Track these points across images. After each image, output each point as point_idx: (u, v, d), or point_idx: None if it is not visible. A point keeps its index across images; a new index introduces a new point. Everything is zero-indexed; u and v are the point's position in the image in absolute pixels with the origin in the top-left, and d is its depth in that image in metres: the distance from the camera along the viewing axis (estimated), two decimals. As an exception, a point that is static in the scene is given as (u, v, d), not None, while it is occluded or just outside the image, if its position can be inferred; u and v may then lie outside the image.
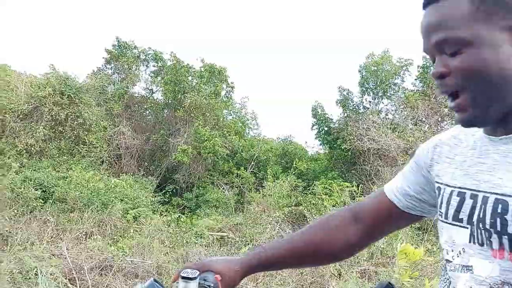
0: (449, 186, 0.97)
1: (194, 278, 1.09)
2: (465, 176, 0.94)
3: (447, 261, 0.97)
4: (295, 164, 13.81)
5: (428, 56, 0.94)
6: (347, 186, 10.40)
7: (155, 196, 11.37)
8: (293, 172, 12.88)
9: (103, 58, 15.10)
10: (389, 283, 1.16)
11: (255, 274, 1.19)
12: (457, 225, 0.93)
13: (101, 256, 6.59)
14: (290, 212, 9.75)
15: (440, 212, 0.98)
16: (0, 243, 6.65)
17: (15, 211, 7.90)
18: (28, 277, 5.55)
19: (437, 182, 1.02)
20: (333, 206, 9.82)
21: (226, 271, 1.17)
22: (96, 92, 13.63)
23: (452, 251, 0.94)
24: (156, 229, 8.05)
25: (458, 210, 0.93)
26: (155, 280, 1.11)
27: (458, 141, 1.01)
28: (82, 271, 6.06)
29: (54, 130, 11.98)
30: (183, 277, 1.09)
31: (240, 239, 8.33)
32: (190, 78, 14.78)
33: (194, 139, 13.52)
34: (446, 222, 0.96)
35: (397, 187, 1.13)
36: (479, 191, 0.89)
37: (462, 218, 0.91)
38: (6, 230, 6.90)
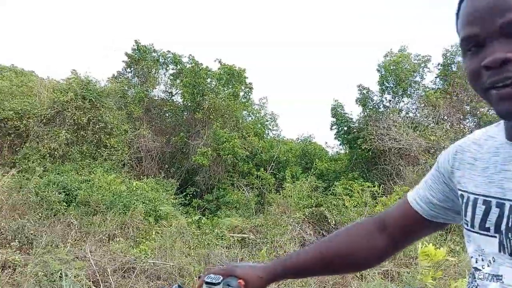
0: (473, 194, 0.94)
1: (218, 283, 1.10)
2: (490, 184, 0.90)
3: (476, 269, 0.94)
4: (315, 164, 13.75)
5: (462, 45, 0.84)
6: (368, 186, 10.32)
7: (176, 198, 11.46)
8: (313, 173, 12.82)
9: (123, 61, 15.28)
10: None
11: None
12: (484, 234, 0.90)
13: (124, 258, 6.66)
14: (310, 213, 9.69)
15: (466, 220, 0.95)
16: (26, 246, 6.79)
17: (40, 214, 8.04)
18: (53, 280, 5.64)
19: (460, 190, 0.99)
20: (354, 206, 9.77)
21: (249, 277, 1.17)
22: (117, 96, 13.78)
23: (482, 260, 0.91)
24: (177, 231, 8.11)
25: (484, 219, 0.89)
26: (179, 286, 1.13)
27: (478, 147, 0.98)
28: (105, 274, 6.15)
29: (76, 134, 12.15)
30: (207, 282, 1.10)
31: (261, 241, 8.33)
32: (208, 80, 14.81)
33: (214, 141, 13.54)
34: (473, 231, 0.93)
35: (419, 196, 1.11)
36: (505, 199, 0.86)
37: (489, 227, 0.88)
38: (31, 233, 7.03)
